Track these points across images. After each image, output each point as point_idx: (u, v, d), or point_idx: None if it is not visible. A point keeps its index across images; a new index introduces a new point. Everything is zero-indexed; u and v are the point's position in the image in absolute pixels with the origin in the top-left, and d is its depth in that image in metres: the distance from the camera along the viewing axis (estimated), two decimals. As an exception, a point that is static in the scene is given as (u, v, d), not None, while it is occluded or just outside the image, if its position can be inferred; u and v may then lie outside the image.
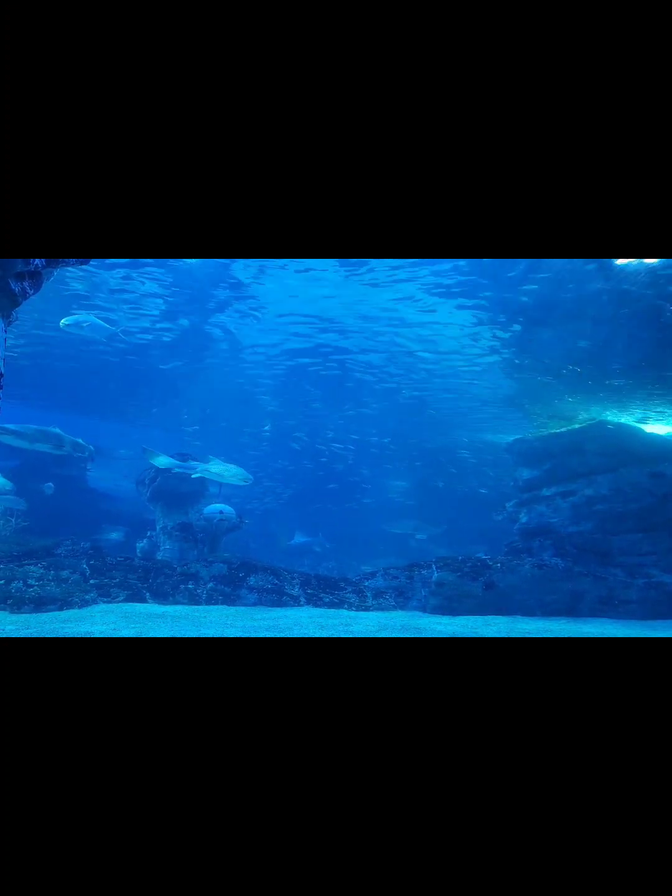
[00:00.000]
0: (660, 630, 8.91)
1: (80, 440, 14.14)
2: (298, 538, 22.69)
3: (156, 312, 14.17)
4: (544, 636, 7.73)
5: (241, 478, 11.74)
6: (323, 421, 20.63)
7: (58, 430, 13.38)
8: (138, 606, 9.44)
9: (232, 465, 12.02)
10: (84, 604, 9.07)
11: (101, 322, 11.62)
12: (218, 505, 13.76)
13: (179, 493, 14.13)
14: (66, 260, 4.55)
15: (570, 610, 10.52)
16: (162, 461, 12.28)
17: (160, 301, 13.62)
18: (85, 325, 11.11)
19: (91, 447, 15.16)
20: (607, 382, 13.17)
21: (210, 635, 6.82)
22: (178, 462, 12.26)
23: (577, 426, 14.27)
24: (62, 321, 10.98)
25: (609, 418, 15.00)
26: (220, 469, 11.71)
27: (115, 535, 16.98)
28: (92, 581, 10.08)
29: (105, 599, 9.80)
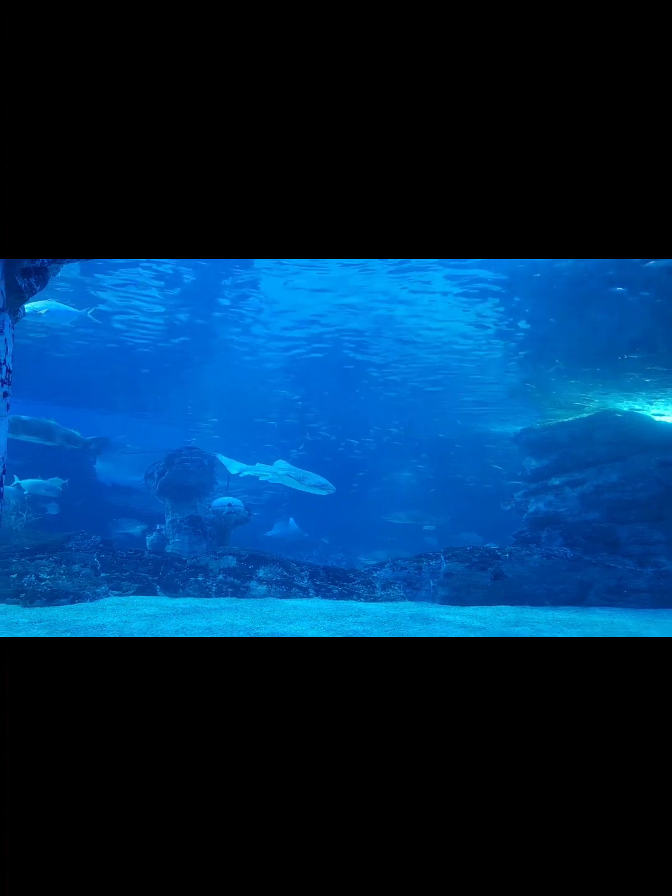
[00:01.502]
0: (669, 618, 8.90)
1: (76, 432, 14.06)
2: (277, 528, 22.41)
3: (162, 305, 14.21)
4: (553, 627, 7.74)
5: (322, 486, 11.27)
6: (335, 411, 20.66)
7: (52, 422, 13.33)
8: (149, 599, 9.54)
9: (311, 473, 11.52)
10: (96, 597, 9.18)
11: (66, 306, 11.23)
12: (226, 498, 13.82)
13: (188, 486, 14.20)
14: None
15: (580, 599, 10.51)
16: (234, 467, 11.88)
17: (161, 295, 13.66)
18: (43, 312, 10.67)
19: (90, 439, 15.02)
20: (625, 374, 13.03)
21: (220, 625, 6.89)
22: (245, 465, 11.83)
23: (585, 415, 14.19)
24: None
25: (618, 407, 14.90)
26: (299, 475, 11.24)
27: (134, 531, 17.03)
28: (103, 575, 10.18)
29: (116, 592, 9.90)
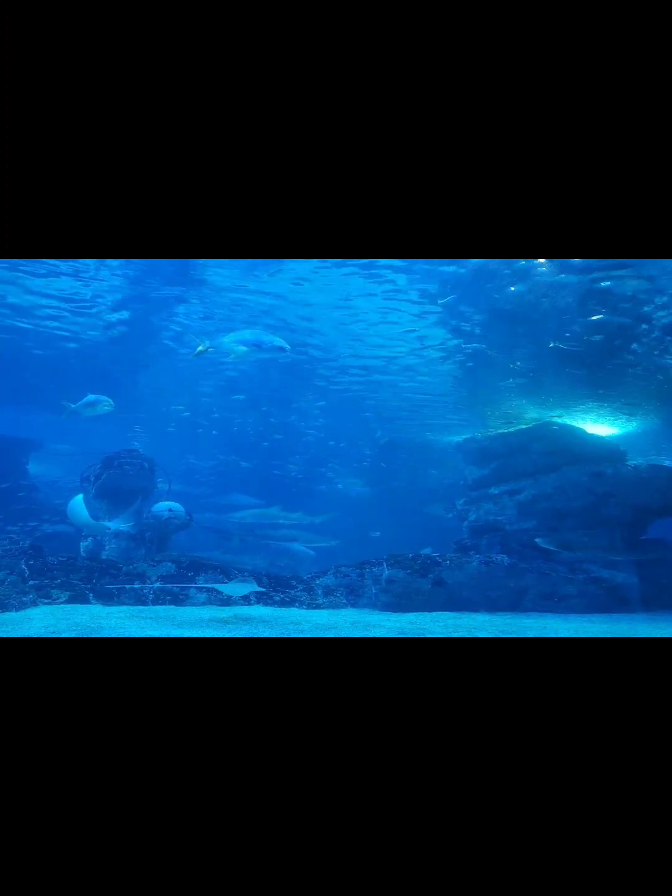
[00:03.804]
0: (597, 622, 9.30)
1: None
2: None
3: (104, 305, 13.80)
4: (489, 632, 7.94)
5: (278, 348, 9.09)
6: (270, 413, 20.50)
7: None
8: (80, 608, 9.13)
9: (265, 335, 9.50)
10: (22, 606, 8.70)
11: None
12: (167, 503, 13.44)
13: (126, 490, 13.71)
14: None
15: (514, 605, 10.83)
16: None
17: (109, 297, 13.29)
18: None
19: None
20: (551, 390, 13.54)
21: (156, 636, 6.65)
22: None
23: (524, 426, 14.68)
24: None
25: (555, 419, 15.51)
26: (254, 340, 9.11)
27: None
28: (31, 582, 9.67)
29: (45, 601, 9.42)
